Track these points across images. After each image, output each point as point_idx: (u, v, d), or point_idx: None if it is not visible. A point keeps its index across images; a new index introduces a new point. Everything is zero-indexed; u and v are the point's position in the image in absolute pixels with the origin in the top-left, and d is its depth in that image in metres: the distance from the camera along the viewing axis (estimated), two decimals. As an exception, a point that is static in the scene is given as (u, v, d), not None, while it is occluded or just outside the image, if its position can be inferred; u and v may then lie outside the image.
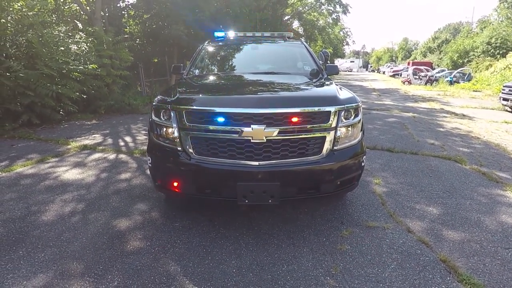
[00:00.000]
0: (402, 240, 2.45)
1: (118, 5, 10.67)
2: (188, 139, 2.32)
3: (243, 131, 2.20)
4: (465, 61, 27.42)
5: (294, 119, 2.26)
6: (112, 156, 4.69)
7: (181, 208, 2.98)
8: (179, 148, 2.36)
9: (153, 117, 2.52)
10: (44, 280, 1.98)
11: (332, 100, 2.42)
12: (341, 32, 43.60)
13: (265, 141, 2.22)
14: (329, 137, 2.35)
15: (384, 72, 45.15)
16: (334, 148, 2.39)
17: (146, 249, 2.31)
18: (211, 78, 3.35)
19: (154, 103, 2.54)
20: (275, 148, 2.27)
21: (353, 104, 2.49)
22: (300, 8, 28.47)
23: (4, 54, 5.98)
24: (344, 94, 2.65)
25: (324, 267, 2.12)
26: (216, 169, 2.28)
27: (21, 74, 5.79)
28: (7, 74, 5.89)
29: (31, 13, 6.38)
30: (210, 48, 4.06)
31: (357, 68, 69.89)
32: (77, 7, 8.88)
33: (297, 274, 2.06)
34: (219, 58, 4.00)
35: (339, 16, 25.40)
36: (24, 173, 3.95)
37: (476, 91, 17.05)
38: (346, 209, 2.97)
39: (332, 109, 2.33)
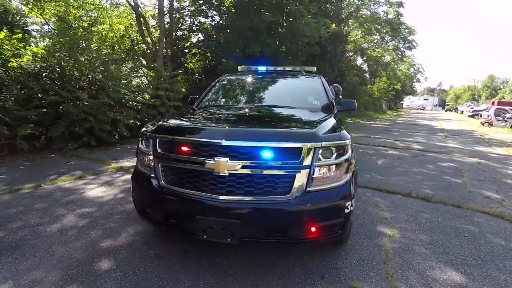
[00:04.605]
0: (387, 311, 1.99)
1: (179, 46, 12.11)
2: (159, 167, 2.37)
3: (206, 162, 2.16)
4: None
5: (261, 154, 2.14)
6: (137, 178, 5.04)
7: (167, 236, 2.97)
8: (152, 175, 2.42)
9: (139, 144, 2.66)
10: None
11: (308, 136, 2.23)
12: (412, 69, 41.32)
13: (227, 174, 2.13)
14: (301, 176, 2.13)
15: (462, 112, 40.43)
16: (308, 189, 2.16)
17: (108, 272, 2.34)
18: (210, 109, 3.44)
19: (141, 131, 2.69)
20: (239, 183, 2.15)
21: (335, 142, 2.25)
22: (366, 45, 28.07)
23: (78, 86, 7.19)
24: (332, 131, 2.42)
25: (274, 327, 1.83)
26: (178, 200, 2.25)
27: (85, 103, 6.84)
28: (77, 102, 7.02)
29: (104, 51, 7.63)
30: (224, 82, 4.23)
31: (431, 106, 64.37)
32: (145, 47, 10.37)
33: (239, 328, 1.82)
34: (229, 91, 4.12)
35: (404, 52, 24.23)
36: (61, 187, 4.49)
37: None
38: (335, 262, 2.58)
39: (303, 145, 2.14)
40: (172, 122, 2.73)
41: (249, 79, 4.22)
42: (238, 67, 4.64)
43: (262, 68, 4.53)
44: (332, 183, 2.24)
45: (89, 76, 7.50)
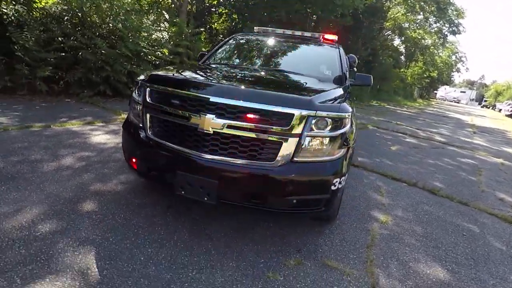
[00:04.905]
0: (356, 294, 1.92)
1: (207, 4, 11.64)
2: (147, 118, 2.30)
3: (191, 117, 2.06)
4: None
5: (248, 115, 2.00)
6: (143, 131, 5.08)
7: (155, 188, 2.98)
8: (141, 125, 2.36)
9: (133, 93, 2.59)
10: (-5, 212, 2.22)
11: (302, 102, 2.05)
12: (453, 57, 38.33)
13: (212, 133, 2.02)
14: (288, 144, 2.00)
15: (500, 110, 37.63)
16: (295, 159, 2.03)
17: (89, 213, 2.39)
18: (213, 66, 3.28)
19: (136, 79, 2.60)
20: (223, 143, 2.05)
21: (332, 113, 2.07)
22: (407, 24, 25.88)
23: (97, 33, 7.14)
24: (332, 101, 2.23)
25: (235, 290, 1.81)
26: (162, 153, 2.19)
27: (103, 51, 6.81)
28: (96, 50, 7.00)
29: (127, 0, 7.43)
30: (236, 41, 4.00)
31: (467, 100, 60.36)
32: (170, 1, 10.05)
33: (201, 284, 1.81)
34: (238, 51, 3.90)
35: (446, 36, 22.21)
36: (68, 130, 4.59)
37: None
38: (317, 238, 2.50)
39: (296, 112, 1.97)
40: (166, 73, 2.62)
41: (262, 40, 3.96)
42: (254, 27, 4.36)
43: (279, 31, 4.24)
44: (322, 156, 2.10)
45: (110, 24, 7.40)
